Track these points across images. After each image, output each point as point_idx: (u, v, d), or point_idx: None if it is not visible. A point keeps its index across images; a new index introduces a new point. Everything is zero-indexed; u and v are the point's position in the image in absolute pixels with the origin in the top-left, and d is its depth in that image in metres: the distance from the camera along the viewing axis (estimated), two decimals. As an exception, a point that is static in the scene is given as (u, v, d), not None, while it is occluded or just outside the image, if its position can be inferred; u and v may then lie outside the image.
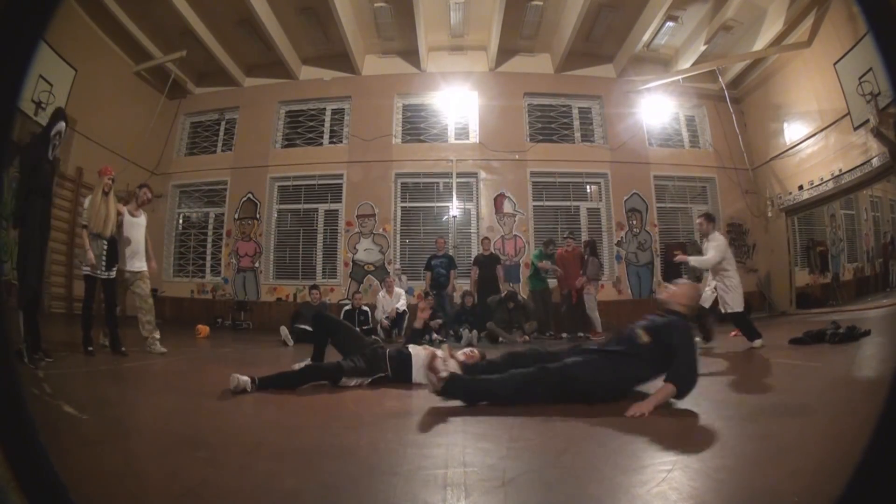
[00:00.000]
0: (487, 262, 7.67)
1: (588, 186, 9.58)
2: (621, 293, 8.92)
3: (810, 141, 8.05)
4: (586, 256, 7.26)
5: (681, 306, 2.40)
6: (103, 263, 4.32)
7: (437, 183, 9.42)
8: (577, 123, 9.71)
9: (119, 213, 4.54)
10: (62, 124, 4.15)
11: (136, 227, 4.76)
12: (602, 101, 9.63)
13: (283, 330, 6.35)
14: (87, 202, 4.38)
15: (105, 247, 4.33)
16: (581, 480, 1.43)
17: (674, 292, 2.44)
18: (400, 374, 3.07)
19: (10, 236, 3.91)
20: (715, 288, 5.00)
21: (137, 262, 4.70)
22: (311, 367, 3.10)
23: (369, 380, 3.01)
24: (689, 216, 9.68)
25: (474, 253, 8.53)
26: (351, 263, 9.00)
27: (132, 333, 4.62)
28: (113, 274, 4.42)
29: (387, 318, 7.27)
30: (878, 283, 7.73)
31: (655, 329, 2.30)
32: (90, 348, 4.13)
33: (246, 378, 2.73)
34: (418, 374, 3.02)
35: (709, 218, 5.17)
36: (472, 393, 2.40)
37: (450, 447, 1.74)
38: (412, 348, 3.20)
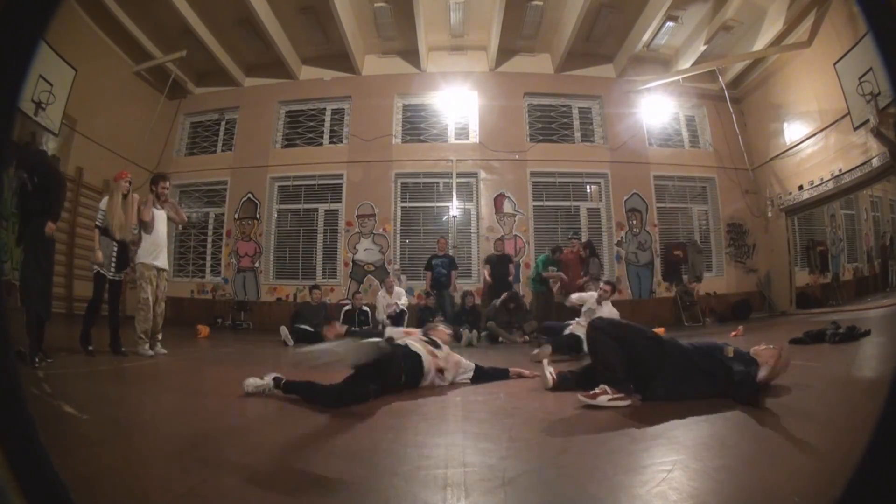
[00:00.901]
0: (499, 262, 7.71)
1: (588, 186, 9.58)
2: (621, 293, 8.89)
3: (810, 141, 8.05)
4: (586, 257, 7.28)
5: (763, 361, 2.44)
6: (113, 265, 4.32)
7: (437, 183, 9.42)
8: (577, 123, 9.71)
9: (149, 206, 4.55)
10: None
11: (162, 220, 4.70)
12: (602, 101, 9.63)
13: (283, 330, 6.36)
14: (102, 204, 4.38)
15: (115, 249, 4.33)
16: (581, 480, 1.42)
17: (764, 350, 2.55)
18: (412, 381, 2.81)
19: (11, 240, 3.89)
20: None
21: (162, 258, 4.69)
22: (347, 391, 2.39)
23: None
24: (690, 216, 9.70)
25: (475, 253, 8.52)
26: (351, 263, 9.01)
27: (131, 334, 4.61)
28: (121, 276, 4.44)
29: (388, 317, 7.27)
30: (877, 283, 7.73)
31: (738, 352, 2.48)
32: (90, 347, 4.13)
33: (268, 380, 2.56)
34: (429, 373, 2.83)
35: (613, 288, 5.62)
36: (585, 376, 2.64)
37: (450, 447, 1.74)
38: (416, 348, 2.86)
